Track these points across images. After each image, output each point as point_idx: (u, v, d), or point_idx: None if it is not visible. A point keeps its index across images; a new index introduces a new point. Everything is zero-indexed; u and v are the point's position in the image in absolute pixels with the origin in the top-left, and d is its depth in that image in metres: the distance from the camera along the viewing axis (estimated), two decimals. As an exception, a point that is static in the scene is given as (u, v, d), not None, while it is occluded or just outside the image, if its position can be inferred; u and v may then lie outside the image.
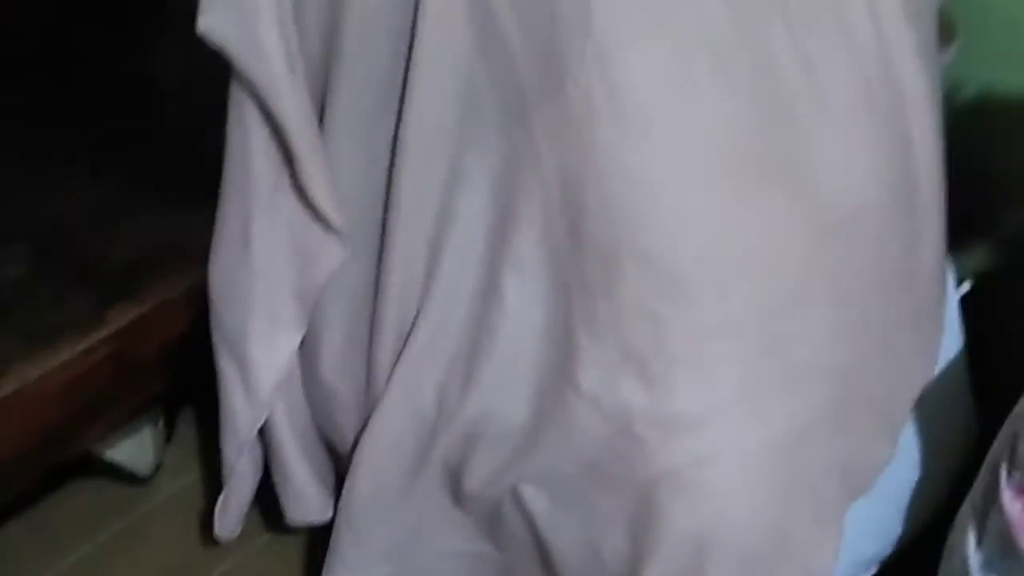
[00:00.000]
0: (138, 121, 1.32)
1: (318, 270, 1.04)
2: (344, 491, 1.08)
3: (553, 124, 0.91)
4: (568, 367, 0.97)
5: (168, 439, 1.41)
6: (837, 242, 0.98)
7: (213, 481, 1.31)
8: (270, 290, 1.05)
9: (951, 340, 1.13)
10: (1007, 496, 0.84)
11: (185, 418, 1.46)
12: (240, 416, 1.11)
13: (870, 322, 1.02)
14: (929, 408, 1.08)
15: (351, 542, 1.11)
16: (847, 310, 1.00)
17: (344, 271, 1.04)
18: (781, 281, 0.96)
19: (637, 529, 0.99)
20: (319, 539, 1.17)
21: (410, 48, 0.93)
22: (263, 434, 1.15)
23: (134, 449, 1.34)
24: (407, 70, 0.94)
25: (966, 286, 1.18)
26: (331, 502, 1.18)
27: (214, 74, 0.97)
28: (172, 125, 1.31)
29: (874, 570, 1.14)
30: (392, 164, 0.97)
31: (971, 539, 0.88)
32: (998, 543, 0.86)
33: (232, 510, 1.20)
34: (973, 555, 0.88)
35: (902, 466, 1.08)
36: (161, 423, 1.37)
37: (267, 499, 1.22)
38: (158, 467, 1.39)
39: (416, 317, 1.01)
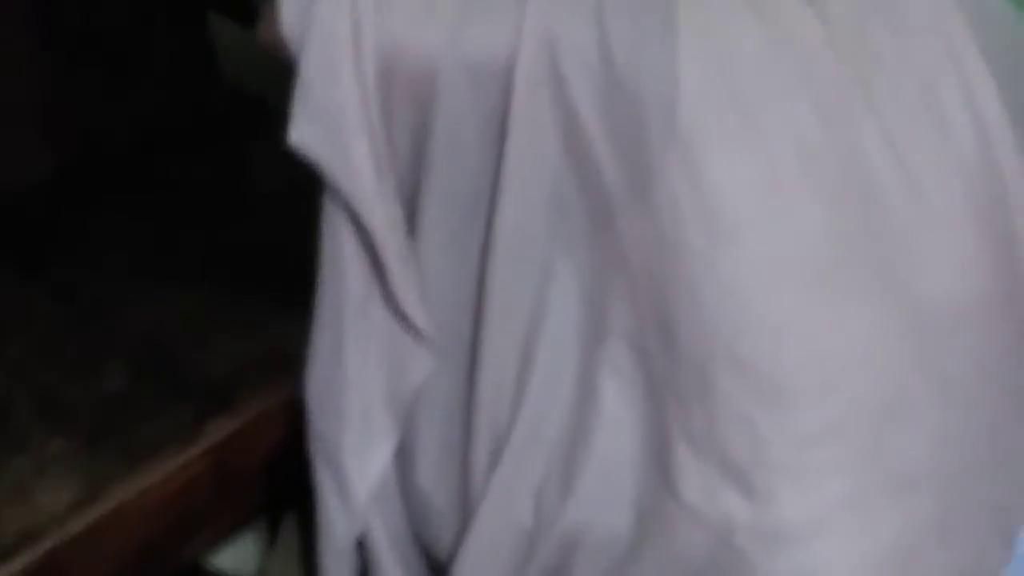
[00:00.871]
0: (231, 234, 1.34)
1: (409, 379, 1.04)
2: (444, 602, 1.06)
3: (640, 230, 0.90)
4: (667, 475, 0.95)
5: (271, 544, 1.42)
6: (939, 344, 0.95)
7: (315, 588, 1.31)
8: (363, 400, 1.05)
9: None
10: None
11: (288, 523, 1.46)
12: (337, 525, 1.10)
13: (978, 424, 0.98)
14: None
15: (452, 653, 1.08)
16: (953, 413, 0.96)
17: (436, 378, 1.04)
18: (882, 385, 0.93)
19: (743, 643, 0.95)
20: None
21: (499, 154, 0.93)
22: (361, 544, 1.14)
23: (238, 555, 1.34)
24: (496, 176, 0.93)
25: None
26: (429, 613, 1.16)
27: (308, 185, 0.98)
28: (265, 238, 1.33)
29: None
30: (482, 270, 0.97)
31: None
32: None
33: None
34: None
35: (1018, 570, 1.04)
36: (264, 528, 1.37)
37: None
38: (262, 574, 1.39)
39: (510, 423, 1.00)
